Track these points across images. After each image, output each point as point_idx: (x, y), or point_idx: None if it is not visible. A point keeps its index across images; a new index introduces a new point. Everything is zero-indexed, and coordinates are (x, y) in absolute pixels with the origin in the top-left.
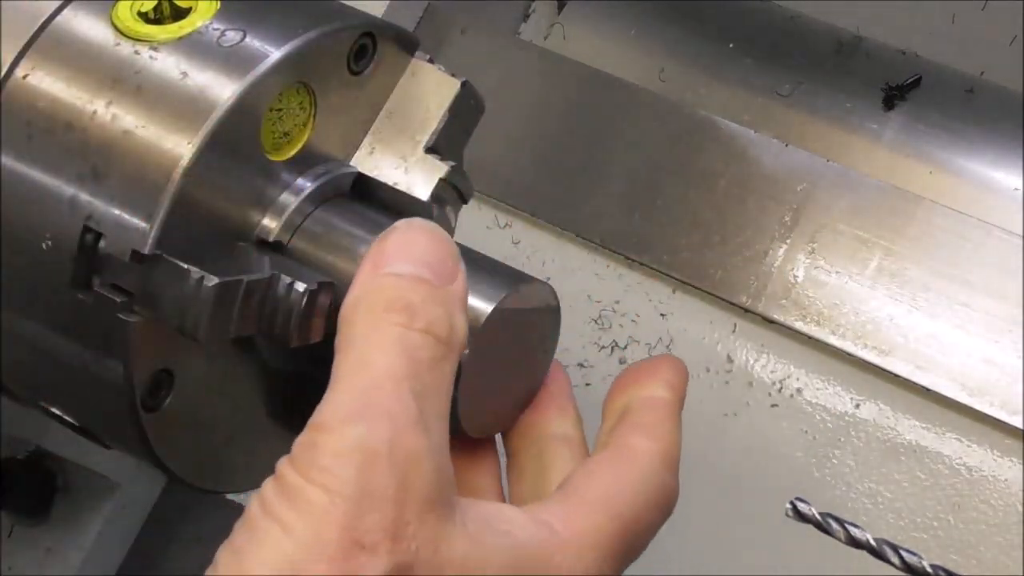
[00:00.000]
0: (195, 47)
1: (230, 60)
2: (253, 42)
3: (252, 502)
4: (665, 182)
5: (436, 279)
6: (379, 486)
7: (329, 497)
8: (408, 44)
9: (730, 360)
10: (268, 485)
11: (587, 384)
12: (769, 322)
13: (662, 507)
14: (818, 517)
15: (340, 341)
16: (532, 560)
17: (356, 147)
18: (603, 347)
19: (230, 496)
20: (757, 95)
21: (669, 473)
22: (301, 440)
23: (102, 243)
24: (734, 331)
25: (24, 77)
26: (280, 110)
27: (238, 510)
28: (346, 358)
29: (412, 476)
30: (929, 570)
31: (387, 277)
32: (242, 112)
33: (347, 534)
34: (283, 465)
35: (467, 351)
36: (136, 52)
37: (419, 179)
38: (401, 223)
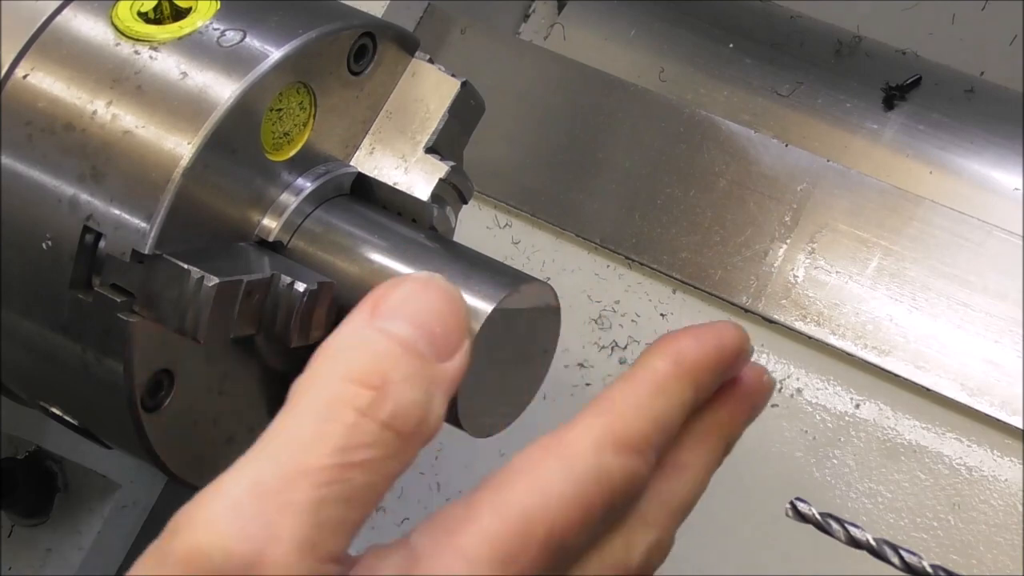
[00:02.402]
0: (195, 47)
1: (230, 60)
2: (253, 42)
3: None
4: (665, 182)
5: (434, 352)
6: None
7: None
8: (408, 44)
9: None
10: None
11: (587, 384)
12: (769, 322)
13: (595, 498)
14: (818, 517)
15: (295, 388)
16: None
17: (356, 147)
18: (603, 347)
19: None
20: (757, 95)
21: (612, 454)
22: (186, 509)
23: (102, 243)
24: None
25: (24, 77)
26: (280, 110)
27: None
28: (282, 418)
29: None
30: (929, 570)
31: (376, 333)
32: (242, 112)
33: None
34: (164, 536)
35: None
36: (136, 52)
37: (419, 179)
38: (422, 276)
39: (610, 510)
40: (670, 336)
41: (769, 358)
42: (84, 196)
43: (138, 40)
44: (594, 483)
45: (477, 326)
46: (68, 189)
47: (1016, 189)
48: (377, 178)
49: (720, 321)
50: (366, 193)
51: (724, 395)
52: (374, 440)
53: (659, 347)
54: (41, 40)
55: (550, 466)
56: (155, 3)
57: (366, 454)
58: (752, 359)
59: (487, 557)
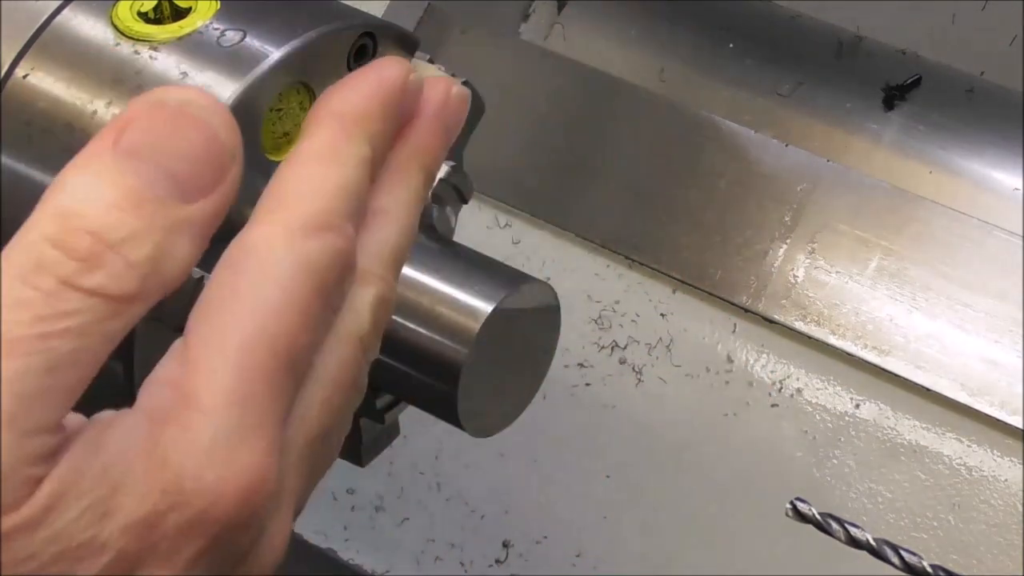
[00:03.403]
0: (195, 47)
1: (230, 60)
2: (253, 42)
3: None
4: (665, 182)
5: (178, 194)
6: None
7: None
8: (408, 44)
9: (730, 360)
10: None
11: (587, 384)
12: (769, 322)
13: (306, 292)
14: (818, 517)
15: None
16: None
17: None
18: (603, 347)
19: None
20: (757, 95)
21: (305, 239)
22: None
23: None
24: (734, 331)
25: (24, 77)
26: (280, 110)
27: None
28: None
29: None
30: (929, 570)
31: (107, 176)
32: (242, 112)
33: None
34: None
35: (467, 351)
36: (136, 52)
37: None
38: (173, 99)
39: (327, 297)
40: (325, 95)
41: (769, 358)
42: None
43: (138, 40)
44: (300, 277)
45: (477, 326)
46: None
47: (1016, 189)
48: None
49: (377, 60)
50: None
51: (410, 124)
52: (78, 308)
53: (316, 112)
54: (41, 40)
55: (249, 279)
56: (155, 3)
57: (68, 322)
58: (435, 74)
59: (227, 409)
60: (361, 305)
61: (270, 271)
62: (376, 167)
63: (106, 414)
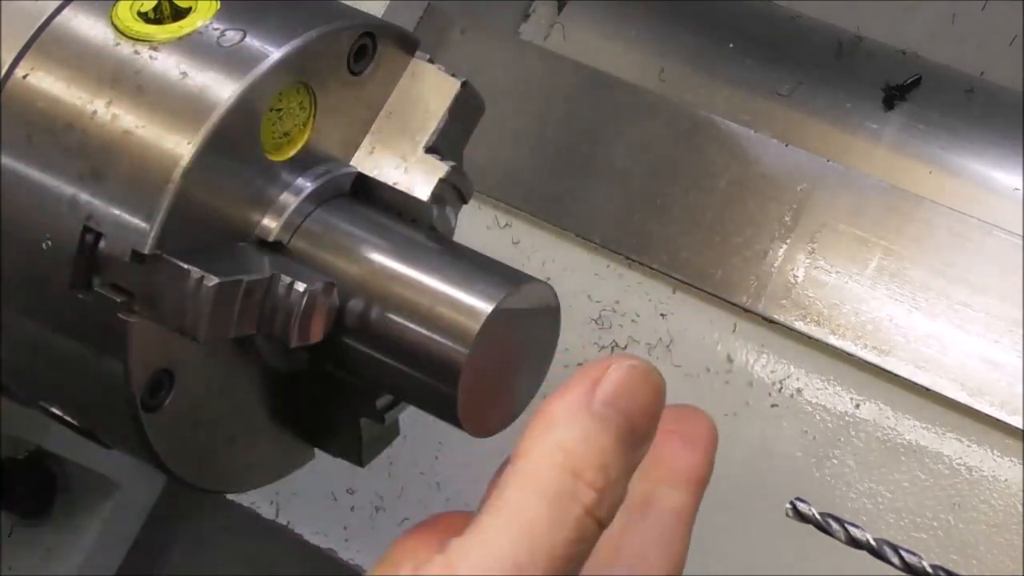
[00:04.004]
0: (195, 47)
1: (230, 60)
2: (253, 42)
3: None
4: (665, 182)
5: (634, 445)
6: None
7: None
8: (408, 44)
9: (730, 360)
10: None
11: None
12: (769, 322)
13: None
14: (818, 517)
15: (517, 461)
16: None
17: (356, 147)
18: (603, 347)
19: (230, 496)
20: (757, 95)
21: None
22: (441, 561)
23: (102, 243)
24: (734, 331)
25: (24, 77)
26: (280, 110)
27: (238, 510)
28: (512, 496)
29: None
30: (929, 570)
31: (597, 423)
32: (242, 112)
33: None
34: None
35: (467, 351)
36: (136, 52)
37: (419, 179)
38: (641, 365)
39: None
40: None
41: (769, 358)
42: (84, 196)
43: (138, 40)
44: None
45: (477, 326)
46: (68, 189)
47: (1016, 189)
48: (377, 178)
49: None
50: (366, 193)
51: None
52: (592, 535)
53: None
54: (41, 40)
55: None
56: (155, 3)
57: (583, 547)
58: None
59: None
60: None
61: None
62: None
63: None
